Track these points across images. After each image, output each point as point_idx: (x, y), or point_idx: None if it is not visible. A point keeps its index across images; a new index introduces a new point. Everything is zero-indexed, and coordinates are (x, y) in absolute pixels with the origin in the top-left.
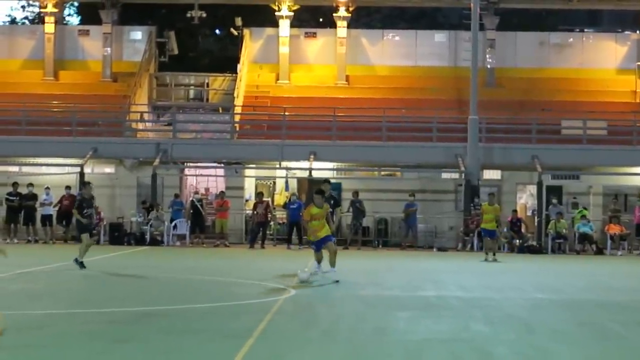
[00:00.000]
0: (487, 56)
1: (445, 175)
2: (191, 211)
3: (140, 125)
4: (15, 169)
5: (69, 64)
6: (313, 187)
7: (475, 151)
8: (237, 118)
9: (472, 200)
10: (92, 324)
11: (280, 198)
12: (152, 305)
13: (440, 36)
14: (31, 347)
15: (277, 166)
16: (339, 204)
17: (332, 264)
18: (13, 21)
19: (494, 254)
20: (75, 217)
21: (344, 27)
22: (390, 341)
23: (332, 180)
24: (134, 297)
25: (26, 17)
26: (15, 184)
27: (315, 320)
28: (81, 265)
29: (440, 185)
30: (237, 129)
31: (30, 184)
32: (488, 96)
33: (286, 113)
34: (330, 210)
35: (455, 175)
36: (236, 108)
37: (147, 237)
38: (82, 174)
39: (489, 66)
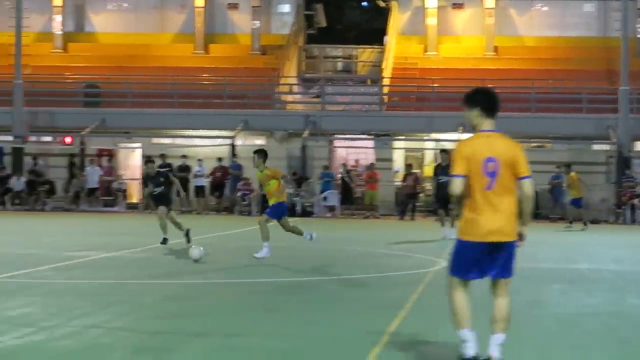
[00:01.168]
0: (638, 26)
1: (595, 147)
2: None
3: (290, 98)
4: (168, 141)
5: (218, 37)
6: None
7: (626, 122)
8: (385, 90)
9: (623, 172)
10: (244, 294)
11: (429, 170)
12: (304, 276)
13: (589, 6)
14: (186, 316)
15: (426, 138)
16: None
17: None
18: None
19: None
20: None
21: None
22: (544, 314)
23: None
24: (286, 268)
25: None
26: (162, 155)
27: None
28: (165, 241)
29: (591, 157)
30: (386, 100)
31: (184, 156)
32: (639, 66)
33: (434, 85)
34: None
35: (606, 147)
36: (384, 80)
37: (298, 208)
38: (233, 146)
39: (639, 36)
